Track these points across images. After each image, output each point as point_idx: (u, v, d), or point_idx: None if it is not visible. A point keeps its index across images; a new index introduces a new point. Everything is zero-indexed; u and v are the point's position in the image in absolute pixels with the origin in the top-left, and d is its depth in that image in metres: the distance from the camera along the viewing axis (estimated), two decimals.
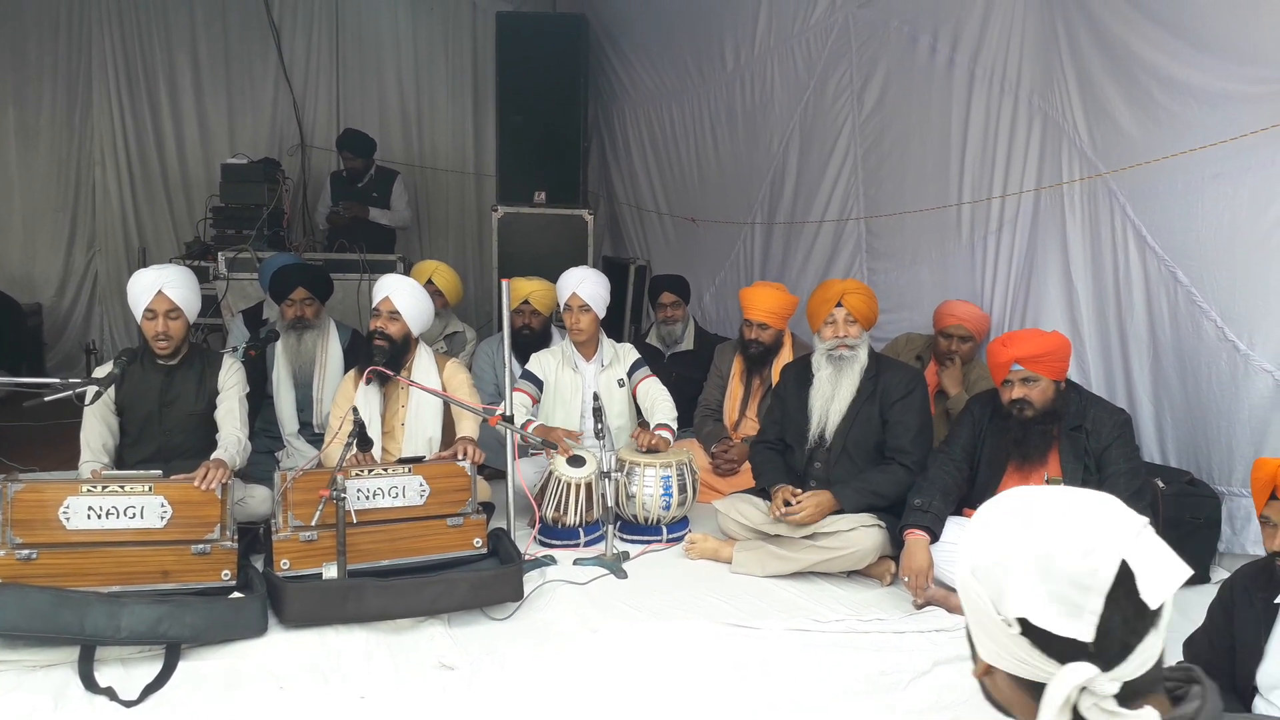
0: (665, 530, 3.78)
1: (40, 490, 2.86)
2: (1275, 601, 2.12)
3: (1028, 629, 1.00)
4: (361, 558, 3.11)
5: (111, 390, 3.37)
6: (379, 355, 3.66)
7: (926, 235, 4.59)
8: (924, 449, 3.44)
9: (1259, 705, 2.13)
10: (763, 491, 3.61)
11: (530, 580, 3.26)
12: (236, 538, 3.06)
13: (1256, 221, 3.05)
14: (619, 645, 2.81)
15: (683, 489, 3.78)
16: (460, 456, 3.41)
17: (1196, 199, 3.23)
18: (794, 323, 4.53)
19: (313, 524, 3.02)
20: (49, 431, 4.49)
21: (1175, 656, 2.72)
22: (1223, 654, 2.21)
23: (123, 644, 2.64)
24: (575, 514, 3.68)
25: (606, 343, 4.28)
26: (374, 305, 3.78)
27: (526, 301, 4.67)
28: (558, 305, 4.35)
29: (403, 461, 3.40)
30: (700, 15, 6.12)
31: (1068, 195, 3.78)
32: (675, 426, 4.00)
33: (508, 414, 3.53)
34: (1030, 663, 1.01)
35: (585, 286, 4.12)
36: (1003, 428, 3.14)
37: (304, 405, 4.33)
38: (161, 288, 3.39)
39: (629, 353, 4.33)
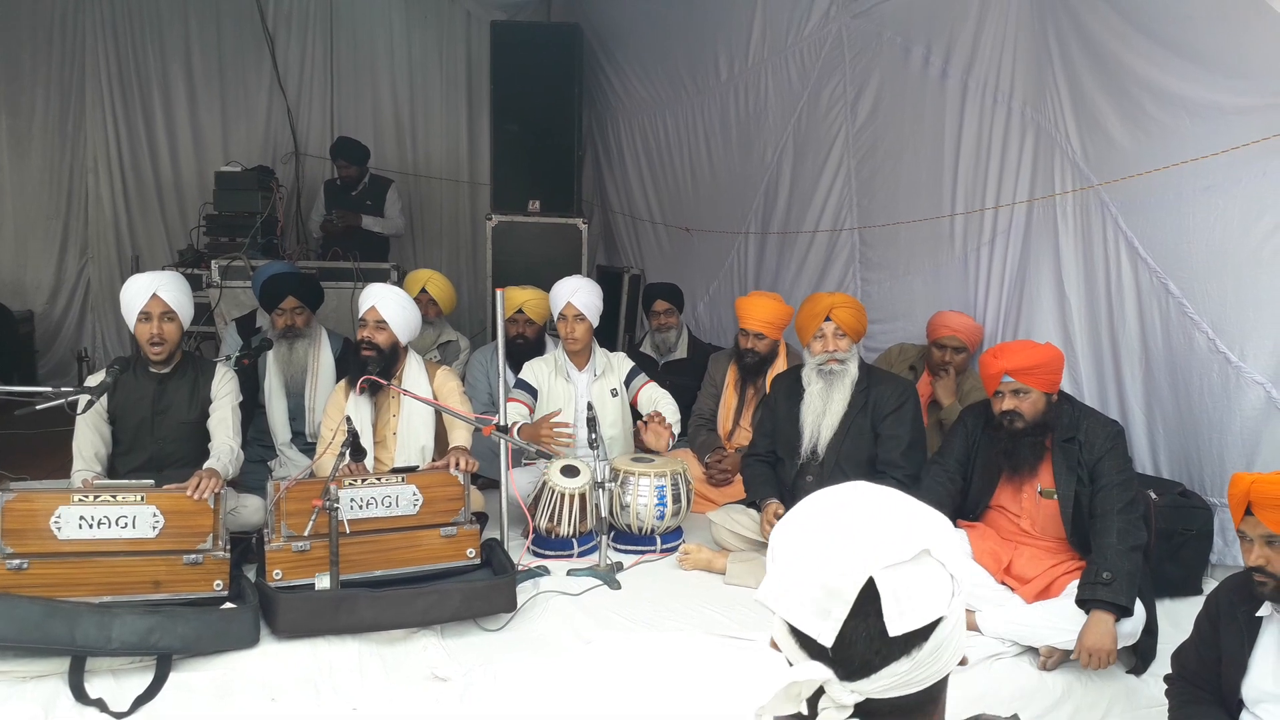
0: (659, 540, 3.78)
1: (31, 500, 2.86)
2: (1257, 615, 2.13)
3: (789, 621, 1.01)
4: (354, 568, 3.10)
5: (104, 399, 3.36)
6: (370, 365, 3.65)
7: (919, 246, 4.60)
8: (916, 462, 3.45)
9: (1244, 719, 2.14)
10: (755, 504, 3.61)
11: (523, 591, 3.25)
12: (229, 548, 3.05)
13: (1248, 233, 3.06)
14: (612, 656, 2.81)
15: (677, 499, 3.78)
16: (454, 466, 3.41)
17: (1188, 211, 3.24)
18: (788, 333, 4.54)
19: (305, 534, 3.01)
20: (41, 440, 4.48)
21: (1164, 667, 2.74)
22: (1210, 665, 2.22)
23: (113, 655, 2.63)
24: (569, 524, 3.68)
25: (599, 352, 4.28)
26: (360, 315, 3.77)
27: (521, 311, 4.67)
28: (551, 314, 4.35)
29: (396, 471, 3.39)
30: (694, 25, 6.14)
31: (1060, 207, 3.80)
32: (677, 430, 3.97)
33: (503, 424, 3.52)
34: (788, 651, 1.02)
35: (580, 296, 4.13)
36: (993, 439, 3.15)
37: (296, 414, 4.32)
38: (156, 290, 3.41)
39: (622, 362, 4.33)
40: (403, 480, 3.29)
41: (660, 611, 3.20)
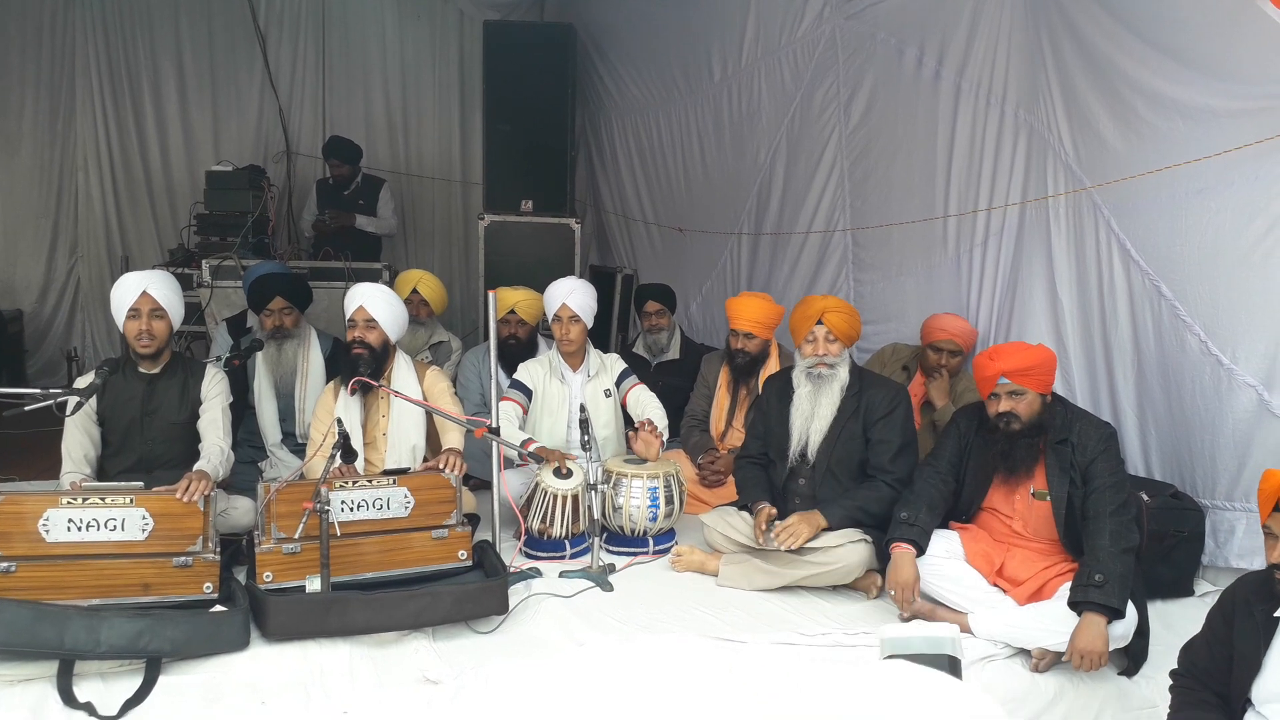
0: (652, 542, 3.77)
1: (20, 502, 2.83)
2: (1275, 615, 2.11)
3: None
4: (345, 570, 3.08)
5: (93, 400, 3.34)
6: (362, 365, 3.63)
7: (912, 247, 4.60)
8: (906, 467, 3.44)
9: (1251, 719, 2.13)
10: (747, 506, 3.60)
11: (515, 593, 3.23)
12: (219, 550, 3.03)
13: (1240, 236, 3.07)
14: (605, 659, 2.79)
15: (669, 500, 3.77)
16: (445, 468, 3.40)
17: (1180, 213, 3.25)
18: (780, 333, 4.54)
19: (296, 536, 2.99)
20: (29, 441, 4.44)
21: (1156, 669, 2.75)
22: (1221, 662, 2.21)
23: (102, 658, 2.61)
24: (561, 526, 3.67)
25: (593, 353, 4.27)
26: (348, 316, 3.75)
27: (513, 311, 4.65)
28: (544, 315, 4.33)
29: (387, 473, 3.38)
30: (687, 26, 6.13)
31: (1053, 209, 3.80)
32: (666, 435, 3.97)
33: (494, 426, 3.51)
34: None
35: (575, 297, 4.12)
36: (989, 440, 3.14)
37: (286, 415, 4.30)
38: (146, 288, 3.39)
39: (615, 363, 4.32)
40: (394, 482, 3.27)
41: (653, 614, 3.19)
